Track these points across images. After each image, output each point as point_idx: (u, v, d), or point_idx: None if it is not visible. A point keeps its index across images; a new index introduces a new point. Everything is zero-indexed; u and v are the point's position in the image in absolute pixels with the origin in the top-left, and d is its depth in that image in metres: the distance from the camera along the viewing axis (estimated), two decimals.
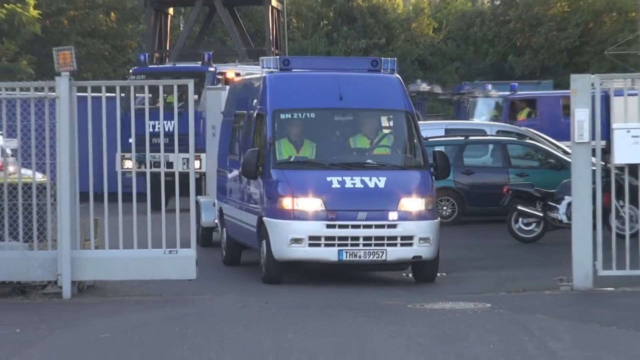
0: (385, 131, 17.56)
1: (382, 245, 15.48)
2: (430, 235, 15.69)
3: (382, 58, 17.93)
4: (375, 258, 15.56)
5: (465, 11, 64.13)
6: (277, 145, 16.28)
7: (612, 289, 16.19)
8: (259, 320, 14.05)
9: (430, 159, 17.43)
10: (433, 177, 16.64)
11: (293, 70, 17.84)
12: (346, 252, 15.32)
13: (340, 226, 15.43)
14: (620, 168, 17.46)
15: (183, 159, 20.97)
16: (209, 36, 41.72)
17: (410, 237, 15.52)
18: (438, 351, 11.68)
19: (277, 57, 18.53)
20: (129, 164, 19.98)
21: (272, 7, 46.05)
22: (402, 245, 15.57)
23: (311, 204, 15.54)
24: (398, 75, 17.70)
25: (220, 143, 20.03)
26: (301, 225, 15.41)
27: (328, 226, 15.33)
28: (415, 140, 16.98)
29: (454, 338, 12.60)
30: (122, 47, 57.38)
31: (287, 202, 15.50)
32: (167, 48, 43.81)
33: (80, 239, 15.83)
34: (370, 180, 15.80)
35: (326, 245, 15.36)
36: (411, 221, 15.65)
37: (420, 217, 15.79)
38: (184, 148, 16.22)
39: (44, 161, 15.64)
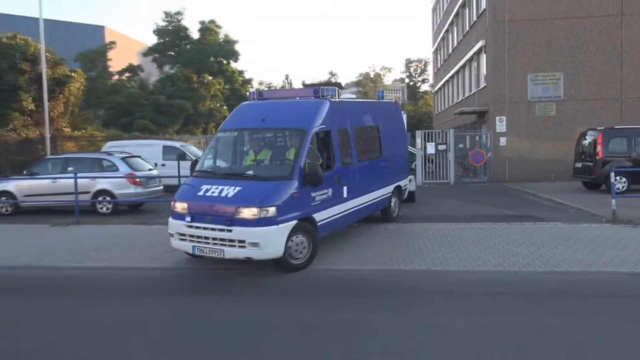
0: (283, 146, 10.32)
1: (223, 245, 9.12)
2: (259, 240, 8.94)
3: (324, 87, 10.87)
4: (216, 255, 9.18)
5: None
6: (202, 157, 10.67)
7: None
8: None
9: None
10: (297, 186, 9.35)
11: (266, 99, 11.18)
12: (197, 248, 9.36)
13: (195, 227, 9.34)
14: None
15: None
16: None
17: (243, 241, 8.97)
18: None
19: (256, 90, 11.44)
20: None
21: None
22: (239, 247, 9.01)
23: (181, 207, 9.56)
24: (329, 100, 10.58)
25: None
26: (174, 223, 9.62)
27: (188, 226, 9.41)
28: (294, 154, 9.69)
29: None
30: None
31: (172, 204, 9.74)
32: None
33: None
34: (226, 189, 9.36)
35: (188, 240, 9.47)
36: (244, 227, 8.94)
37: (253, 224, 8.94)
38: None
39: None
